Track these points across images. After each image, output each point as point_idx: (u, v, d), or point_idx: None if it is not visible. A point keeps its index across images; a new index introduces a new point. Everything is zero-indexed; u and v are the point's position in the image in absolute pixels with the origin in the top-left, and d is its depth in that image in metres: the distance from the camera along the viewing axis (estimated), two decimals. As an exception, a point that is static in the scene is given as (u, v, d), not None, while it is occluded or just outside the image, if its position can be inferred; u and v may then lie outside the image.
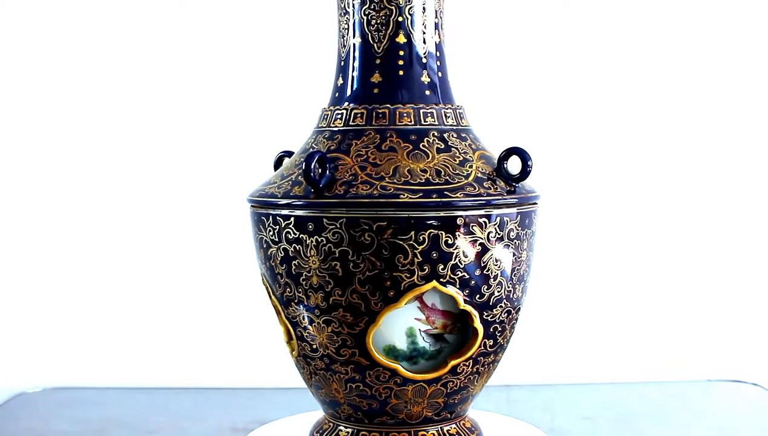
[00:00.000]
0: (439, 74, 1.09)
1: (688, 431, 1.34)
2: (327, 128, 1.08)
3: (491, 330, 1.05)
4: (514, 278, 1.05)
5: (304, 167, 1.00)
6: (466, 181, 1.02)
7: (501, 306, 1.05)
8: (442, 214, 0.99)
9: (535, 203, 1.07)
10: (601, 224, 1.58)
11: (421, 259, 0.99)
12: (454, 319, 1.04)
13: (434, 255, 0.99)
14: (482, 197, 1.01)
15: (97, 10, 1.51)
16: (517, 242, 1.04)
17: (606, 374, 1.56)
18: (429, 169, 1.02)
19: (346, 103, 1.08)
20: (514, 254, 1.04)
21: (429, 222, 0.99)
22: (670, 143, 1.58)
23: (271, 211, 1.04)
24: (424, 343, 1.04)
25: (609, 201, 1.58)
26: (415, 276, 1.00)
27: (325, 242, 1.00)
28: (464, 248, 1.00)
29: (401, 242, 0.99)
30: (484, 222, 1.01)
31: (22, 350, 1.53)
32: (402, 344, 1.04)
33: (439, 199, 0.99)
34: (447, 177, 1.02)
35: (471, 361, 1.05)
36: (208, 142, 1.51)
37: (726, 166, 1.59)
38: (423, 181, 1.01)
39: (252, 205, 1.07)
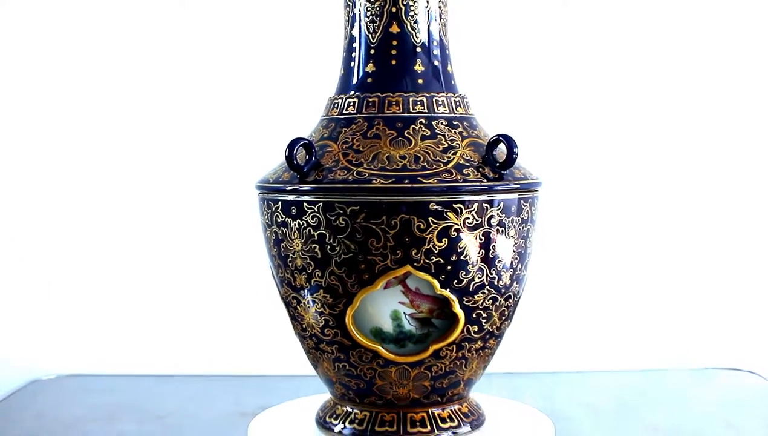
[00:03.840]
0: (435, 63, 1.11)
1: (686, 418, 1.33)
2: (326, 117, 1.12)
3: (474, 316, 1.06)
4: (498, 264, 1.06)
5: (286, 154, 1.04)
6: (444, 167, 1.03)
7: (483, 292, 1.05)
8: (414, 199, 1.01)
9: (526, 190, 1.07)
10: (603, 214, 1.57)
11: (393, 243, 1.02)
12: (440, 304, 1.06)
13: (407, 240, 1.02)
14: (457, 184, 1.02)
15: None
16: (501, 229, 1.05)
17: (606, 362, 1.56)
18: (408, 156, 1.04)
19: (344, 93, 1.11)
20: (495, 241, 1.05)
21: (401, 207, 1.01)
22: (667, 135, 1.57)
23: (266, 196, 1.09)
24: (410, 326, 1.06)
25: (611, 190, 1.57)
26: (389, 260, 1.02)
27: (305, 226, 1.04)
28: (438, 233, 1.02)
29: (374, 227, 1.02)
30: (459, 208, 1.02)
31: (37, 338, 1.59)
32: (388, 326, 1.06)
33: (410, 185, 1.01)
34: (425, 163, 1.03)
35: (454, 346, 1.07)
36: (226, 131, 1.54)
37: (725, 155, 1.57)
38: (399, 167, 1.03)
39: (257, 191, 1.12)
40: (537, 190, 1.10)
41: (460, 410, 1.13)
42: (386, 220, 1.01)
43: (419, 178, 1.02)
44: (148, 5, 1.54)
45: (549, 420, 1.20)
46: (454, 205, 1.02)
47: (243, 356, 1.55)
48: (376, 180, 1.02)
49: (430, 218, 1.01)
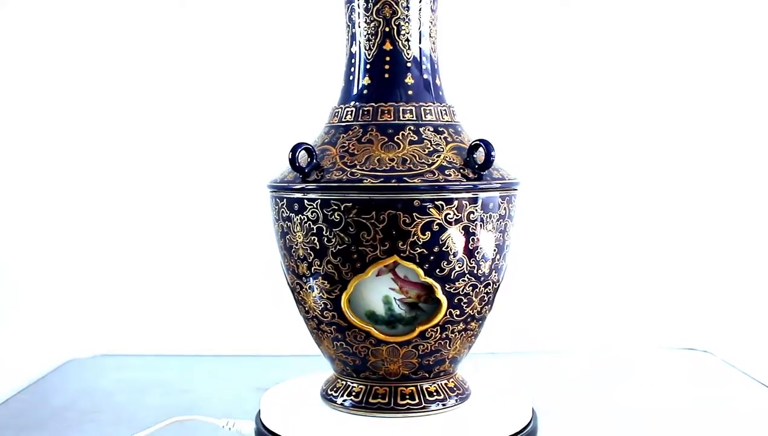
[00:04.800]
0: (425, 76, 1.23)
1: (642, 396, 1.44)
2: (328, 124, 1.25)
3: (455, 301, 1.18)
4: (477, 255, 1.18)
5: (289, 157, 1.18)
6: (428, 168, 1.16)
7: (464, 280, 1.18)
8: (399, 196, 1.14)
9: (504, 189, 1.20)
10: (574, 208, 1.72)
11: (382, 236, 1.15)
12: (426, 290, 1.18)
13: (394, 233, 1.14)
14: (438, 183, 1.15)
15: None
16: (480, 224, 1.17)
17: (576, 342, 1.70)
18: (396, 158, 1.17)
19: (344, 103, 1.24)
20: (474, 235, 1.17)
21: (388, 203, 1.14)
22: (636, 131, 1.70)
23: (275, 194, 1.22)
24: (399, 310, 1.19)
25: (583, 188, 1.71)
26: (378, 251, 1.15)
27: (306, 220, 1.18)
28: (422, 227, 1.15)
29: (365, 221, 1.15)
30: (441, 205, 1.15)
31: (75, 320, 1.74)
32: (380, 309, 1.19)
33: (397, 184, 1.14)
34: (411, 165, 1.16)
35: (438, 328, 1.19)
36: (251, 138, 1.70)
37: (689, 148, 1.71)
38: (388, 168, 1.16)
39: (269, 190, 1.25)
40: (515, 189, 1.22)
41: (446, 385, 1.25)
42: (376, 215, 1.14)
43: (405, 178, 1.14)
44: (181, 18, 1.69)
45: (528, 394, 1.32)
46: (437, 202, 1.14)
47: (257, 337, 1.72)
48: (366, 180, 1.15)
49: (414, 214, 1.14)
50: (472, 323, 1.22)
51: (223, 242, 1.72)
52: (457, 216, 1.16)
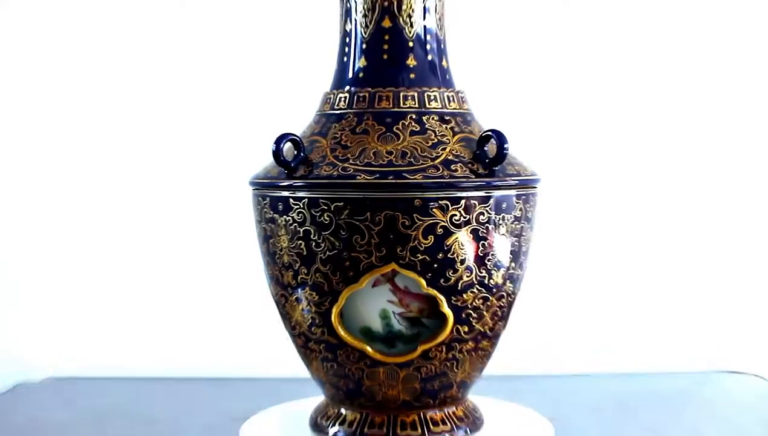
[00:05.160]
0: (429, 58, 1.08)
1: (688, 422, 1.31)
2: (319, 112, 1.11)
3: (463, 316, 1.04)
4: (489, 263, 1.03)
5: (273, 149, 1.03)
6: (431, 163, 1.01)
7: (473, 292, 1.03)
8: (398, 195, 0.99)
9: (520, 187, 1.05)
10: (607, 212, 1.55)
11: (378, 240, 1.00)
12: (429, 303, 1.03)
13: (391, 237, 1.00)
14: (443, 180, 1.00)
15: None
16: (491, 227, 1.02)
17: (607, 364, 1.52)
18: (395, 151, 1.02)
19: (337, 88, 1.10)
20: (485, 239, 1.02)
21: (385, 203, 0.99)
22: (672, 132, 1.55)
23: (257, 192, 1.08)
24: (399, 326, 1.04)
25: (614, 188, 1.55)
26: (373, 257, 1.00)
27: (291, 222, 1.03)
28: (423, 230, 1.00)
29: (358, 223, 1.00)
30: (446, 205, 1.00)
31: (24, 340, 1.56)
32: (377, 325, 1.04)
33: (394, 181, 1.00)
34: (411, 159, 1.01)
35: (444, 346, 1.05)
36: (229, 128, 1.52)
37: (731, 155, 1.55)
38: (385, 162, 1.01)
39: (251, 187, 1.11)
40: (533, 187, 1.08)
41: (454, 413, 1.11)
42: (370, 216, 1.00)
43: (404, 174, 1.00)
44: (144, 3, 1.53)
45: (549, 424, 1.17)
46: (441, 202, 1.00)
47: (236, 357, 1.52)
48: (360, 175, 1.00)
49: (415, 215, 1.00)
50: (484, 342, 1.07)
51: (196, 246, 1.54)
52: (465, 218, 1.01)
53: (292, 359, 1.15)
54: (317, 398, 1.17)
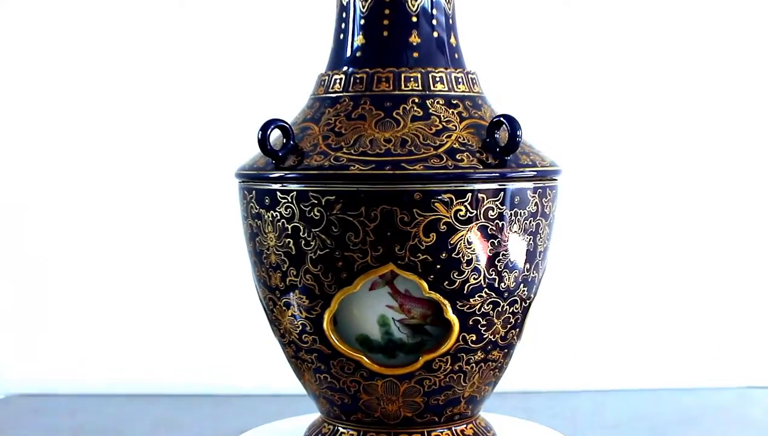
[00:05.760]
0: (435, 34, 0.98)
1: None
2: (312, 96, 1.02)
3: (470, 323, 0.93)
4: (499, 264, 0.93)
5: (258, 137, 0.93)
6: (434, 152, 0.91)
7: (481, 296, 0.93)
8: (396, 187, 0.89)
9: (535, 179, 0.94)
10: (636, 211, 1.44)
11: (373, 238, 0.90)
12: (434, 309, 0.93)
13: (389, 234, 0.90)
14: (447, 170, 0.90)
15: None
16: (501, 224, 0.92)
17: (634, 379, 1.42)
18: (394, 139, 0.92)
19: (332, 70, 1.00)
20: (495, 238, 0.92)
21: (381, 197, 0.89)
22: (714, 126, 1.44)
23: (243, 185, 0.99)
24: (400, 334, 0.94)
25: (647, 183, 1.44)
26: (369, 257, 0.90)
27: (279, 217, 0.93)
28: (424, 227, 0.89)
29: (351, 219, 0.90)
30: (450, 199, 0.89)
31: None
32: (375, 333, 0.94)
33: (391, 172, 0.89)
34: (412, 147, 0.91)
35: (449, 357, 0.94)
36: (220, 117, 1.42)
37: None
38: (382, 151, 0.91)
39: (237, 179, 1.01)
40: (552, 180, 0.97)
41: (463, 431, 1.00)
42: (365, 211, 0.89)
43: (403, 164, 0.89)
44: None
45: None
46: (443, 196, 0.89)
47: (221, 371, 1.42)
48: (354, 166, 0.90)
49: (415, 210, 0.89)
50: (495, 352, 0.97)
51: (177, 246, 1.43)
52: (471, 213, 0.90)
53: (284, 372, 1.05)
54: (312, 415, 1.08)
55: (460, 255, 0.91)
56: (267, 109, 1.03)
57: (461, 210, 0.90)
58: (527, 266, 0.95)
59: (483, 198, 0.90)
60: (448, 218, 0.90)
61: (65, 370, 1.45)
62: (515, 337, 0.98)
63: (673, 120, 1.42)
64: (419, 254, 0.90)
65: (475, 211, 0.90)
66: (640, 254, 1.44)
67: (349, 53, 0.98)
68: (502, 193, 0.91)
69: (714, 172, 1.44)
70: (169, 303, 1.44)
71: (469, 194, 0.90)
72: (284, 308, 0.96)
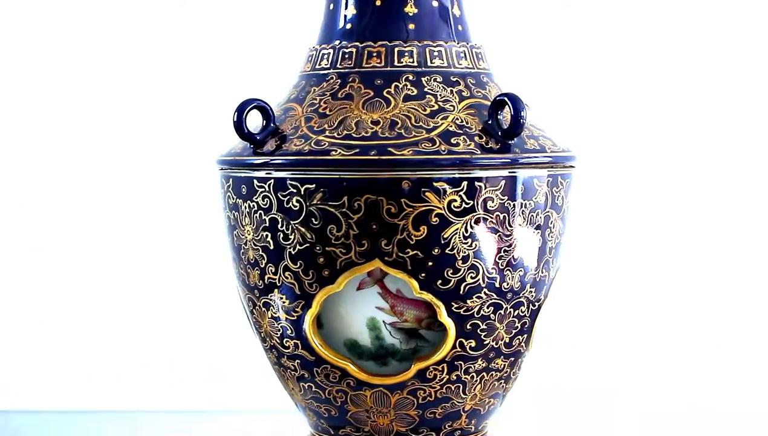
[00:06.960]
0: (435, 3, 0.88)
1: None
2: (300, 73, 0.93)
3: (468, 327, 0.84)
4: (500, 262, 0.83)
5: (234, 119, 0.85)
6: (426, 135, 0.82)
7: (479, 297, 0.83)
8: (382, 175, 0.80)
9: (543, 166, 0.85)
10: (663, 203, 1.31)
11: (357, 231, 0.81)
12: (431, 311, 0.84)
13: (374, 227, 0.80)
14: (438, 155, 0.80)
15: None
16: (503, 216, 0.82)
17: (657, 387, 1.28)
18: (383, 121, 0.83)
19: (321, 44, 0.91)
20: (496, 232, 0.82)
21: (365, 185, 0.80)
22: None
23: (222, 172, 0.90)
24: (392, 339, 0.85)
25: (678, 174, 1.31)
26: (353, 253, 0.81)
27: (256, 208, 0.85)
28: (413, 219, 0.80)
29: (333, 210, 0.81)
30: (442, 188, 0.80)
31: None
32: (365, 338, 0.85)
33: (377, 157, 0.80)
34: (402, 130, 0.82)
35: (445, 365, 0.84)
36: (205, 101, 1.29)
37: None
38: (368, 134, 0.82)
39: (218, 167, 0.92)
40: (565, 167, 0.87)
41: (464, 448, 0.90)
42: (348, 201, 0.81)
43: (389, 149, 0.80)
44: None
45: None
46: (435, 184, 0.80)
47: (203, 385, 1.30)
48: (336, 151, 0.81)
49: (403, 200, 0.80)
50: (499, 360, 0.87)
51: (151, 244, 1.31)
52: (468, 204, 0.81)
53: (271, 383, 0.97)
54: (301, 428, 0.99)
55: (455, 251, 0.81)
56: (258, 89, 0.94)
57: (455, 200, 0.80)
58: (535, 264, 0.85)
59: (480, 187, 0.81)
60: (440, 209, 0.80)
61: (29, 384, 1.33)
62: (523, 344, 0.88)
63: (711, 100, 1.30)
64: (408, 250, 0.81)
65: (472, 202, 0.81)
66: (669, 252, 1.32)
67: (340, 25, 0.89)
68: (504, 181, 0.82)
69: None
70: (146, 313, 1.33)
71: (465, 183, 0.80)
72: (264, 308, 0.87)
